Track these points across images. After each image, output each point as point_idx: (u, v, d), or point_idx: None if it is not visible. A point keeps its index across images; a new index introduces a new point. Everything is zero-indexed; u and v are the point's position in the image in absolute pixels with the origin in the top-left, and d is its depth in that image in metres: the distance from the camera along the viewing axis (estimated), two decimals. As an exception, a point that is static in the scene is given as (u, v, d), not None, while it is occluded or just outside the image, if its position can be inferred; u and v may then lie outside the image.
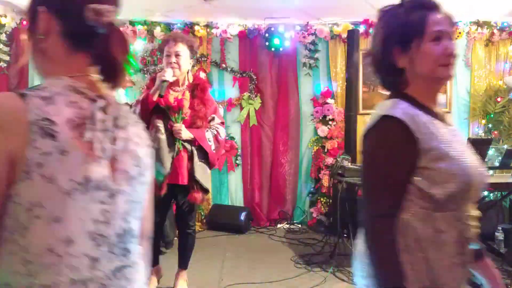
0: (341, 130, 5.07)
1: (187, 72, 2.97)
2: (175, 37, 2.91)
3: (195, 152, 2.86)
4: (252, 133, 5.25)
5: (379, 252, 1.01)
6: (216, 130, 2.94)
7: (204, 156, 2.92)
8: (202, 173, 2.91)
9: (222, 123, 3.02)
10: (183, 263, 3.15)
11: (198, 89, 2.92)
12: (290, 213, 5.25)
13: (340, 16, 4.97)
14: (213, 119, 2.95)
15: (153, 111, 2.82)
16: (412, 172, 1.05)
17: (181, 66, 2.86)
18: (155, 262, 3.20)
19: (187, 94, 2.93)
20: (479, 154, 4.07)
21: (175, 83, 2.92)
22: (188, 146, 2.86)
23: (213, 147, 2.91)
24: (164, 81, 2.75)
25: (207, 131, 2.91)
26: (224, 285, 3.34)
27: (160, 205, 3.01)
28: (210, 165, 2.97)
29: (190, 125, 2.85)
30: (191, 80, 3.00)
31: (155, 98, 2.77)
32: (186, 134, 2.81)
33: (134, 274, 0.91)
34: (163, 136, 2.81)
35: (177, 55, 2.85)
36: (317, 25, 5.13)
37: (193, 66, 5.05)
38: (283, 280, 3.44)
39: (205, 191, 2.93)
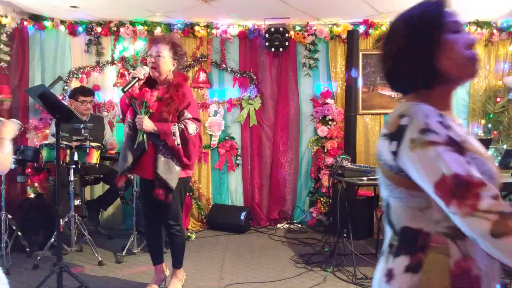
0: (341, 130, 5.07)
1: (170, 71, 2.95)
2: (157, 38, 2.96)
3: (160, 147, 2.85)
4: (252, 133, 5.26)
5: None
6: (184, 125, 2.85)
7: (172, 151, 2.86)
8: (167, 169, 2.83)
9: (196, 119, 2.92)
10: (174, 263, 3.17)
11: (172, 85, 2.91)
12: (290, 213, 5.26)
13: (340, 16, 4.98)
14: (183, 114, 2.88)
15: (128, 108, 2.96)
16: None
17: (160, 66, 2.88)
18: (158, 260, 3.22)
19: (162, 91, 2.92)
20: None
21: (157, 82, 2.96)
22: (154, 140, 2.86)
23: (177, 142, 2.82)
24: (134, 78, 2.84)
25: (174, 125, 2.84)
26: (224, 285, 3.35)
27: (146, 200, 3.09)
28: (178, 161, 2.88)
29: (158, 120, 2.85)
30: (170, 79, 2.95)
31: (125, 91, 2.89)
32: (148, 124, 2.81)
33: None
34: (130, 131, 2.93)
35: (157, 56, 2.88)
36: (317, 25, 5.14)
37: (193, 67, 5.11)
38: (283, 279, 3.45)
39: (165, 186, 2.83)
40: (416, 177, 0.98)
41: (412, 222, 1.04)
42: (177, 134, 2.83)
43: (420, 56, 1.06)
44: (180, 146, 2.84)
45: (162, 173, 2.82)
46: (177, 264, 3.16)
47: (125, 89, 2.83)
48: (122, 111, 3.04)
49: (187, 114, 2.88)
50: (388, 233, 1.12)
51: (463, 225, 0.90)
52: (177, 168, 2.88)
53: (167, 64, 2.91)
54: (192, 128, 2.87)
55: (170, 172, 2.84)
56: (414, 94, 1.11)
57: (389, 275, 1.06)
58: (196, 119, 2.93)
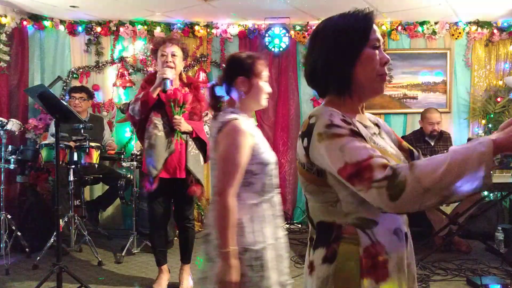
0: (341, 130, 5.06)
1: (180, 73, 3.11)
2: (170, 39, 3.06)
3: (189, 142, 3.00)
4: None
5: None
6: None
7: (201, 147, 3.06)
8: (195, 162, 3.01)
9: None
10: (186, 258, 3.21)
11: (192, 87, 3.09)
12: (290, 213, 5.25)
13: (340, 16, 4.96)
14: (206, 114, 3.11)
15: (151, 108, 2.96)
16: None
17: (177, 66, 3.00)
18: (165, 260, 3.22)
19: (187, 90, 3.06)
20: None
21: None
22: (184, 137, 2.99)
23: None
24: (165, 78, 2.88)
25: (204, 125, 3.08)
26: (224, 285, 3.34)
27: (162, 199, 3.08)
28: (206, 157, 3.10)
29: (187, 118, 3.02)
30: (185, 80, 3.13)
31: (154, 95, 2.90)
32: (185, 126, 2.96)
33: None
34: (160, 133, 2.94)
35: (172, 55, 2.98)
36: (317, 25, 5.12)
37: (192, 67, 5.10)
38: (283, 280, 3.44)
39: (199, 182, 3.02)
40: (325, 165, 1.08)
41: (325, 216, 1.14)
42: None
43: (340, 63, 1.14)
44: None
45: (192, 167, 2.97)
46: (189, 259, 3.22)
47: (166, 89, 2.87)
48: (145, 108, 2.93)
49: (210, 116, 3.08)
50: (310, 228, 1.22)
51: (369, 199, 0.99)
52: (202, 163, 3.08)
53: (181, 64, 3.06)
54: None
55: (198, 166, 3.02)
56: (328, 99, 1.21)
57: (311, 267, 1.16)
58: None
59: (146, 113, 2.95)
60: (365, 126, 1.19)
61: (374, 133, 1.21)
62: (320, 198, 1.15)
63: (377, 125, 1.28)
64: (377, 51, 1.16)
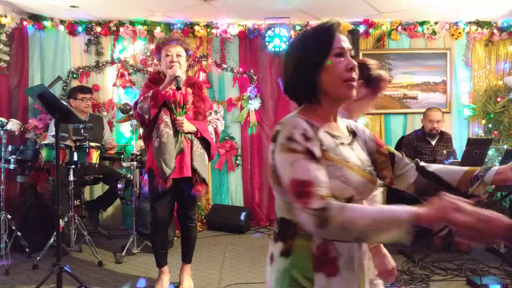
0: (341, 130, 5.06)
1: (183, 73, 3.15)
2: (176, 39, 3.08)
3: (194, 141, 3.02)
4: (252, 133, 5.25)
5: None
6: (216, 124, 3.15)
7: (205, 146, 3.10)
8: (200, 161, 3.04)
9: (217, 119, 3.22)
10: (187, 258, 3.23)
11: (195, 87, 3.12)
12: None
13: (340, 16, 4.96)
14: (210, 114, 3.17)
15: (160, 107, 2.99)
16: None
17: (181, 66, 3.02)
18: (166, 260, 3.22)
19: (189, 90, 3.09)
20: (479, 154, 4.00)
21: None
22: (189, 136, 3.02)
23: (215, 139, 3.13)
24: (177, 76, 2.91)
25: (208, 124, 3.11)
26: (224, 285, 3.34)
27: (166, 200, 3.07)
28: (210, 156, 3.15)
29: (191, 119, 3.06)
30: (183, 80, 3.14)
31: (163, 92, 2.94)
32: (188, 126, 2.99)
33: None
34: (171, 132, 2.96)
35: (178, 56, 3.01)
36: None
37: (193, 67, 5.10)
38: (283, 280, 3.44)
39: (204, 181, 3.05)
40: (280, 172, 1.20)
41: (286, 214, 1.25)
42: (213, 133, 3.10)
43: (306, 72, 1.24)
44: (216, 143, 3.16)
45: (198, 166, 2.99)
46: (190, 258, 3.24)
47: (180, 86, 2.91)
48: (155, 106, 2.93)
49: (213, 115, 3.18)
50: (275, 222, 1.32)
51: (300, 219, 1.12)
52: (207, 162, 3.13)
53: (185, 65, 3.09)
54: (220, 126, 3.21)
55: (203, 165, 3.06)
56: (302, 107, 1.30)
57: (271, 258, 1.28)
58: (217, 119, 3.23)
59: (157, 111, 2.95)
60: (333, 136, 1.26)
61: (342, 143, 1.27)
62: (282, 197, 1.26)
63: (354, 132, 1.35)
64: (342, 59, 1.23)
